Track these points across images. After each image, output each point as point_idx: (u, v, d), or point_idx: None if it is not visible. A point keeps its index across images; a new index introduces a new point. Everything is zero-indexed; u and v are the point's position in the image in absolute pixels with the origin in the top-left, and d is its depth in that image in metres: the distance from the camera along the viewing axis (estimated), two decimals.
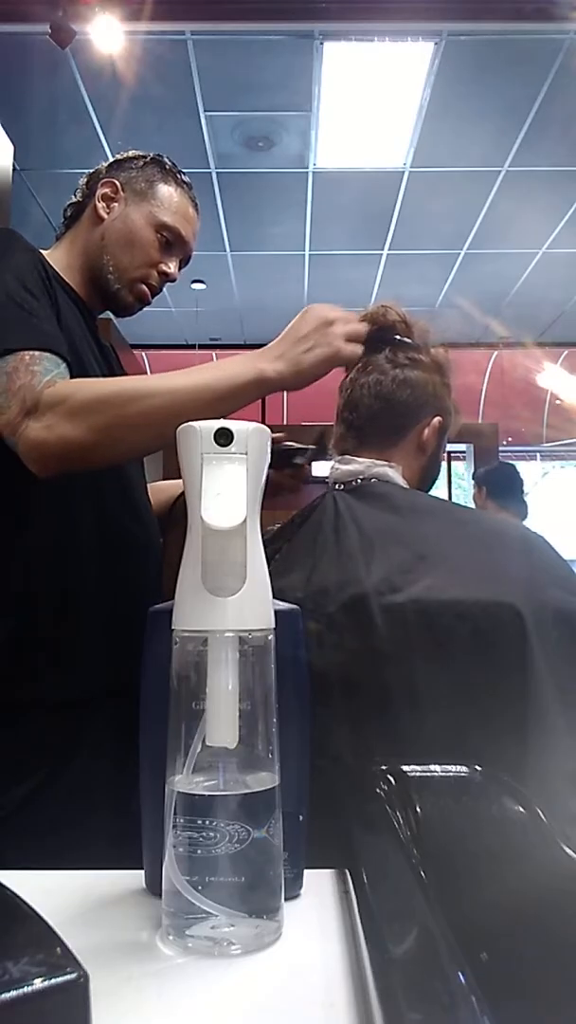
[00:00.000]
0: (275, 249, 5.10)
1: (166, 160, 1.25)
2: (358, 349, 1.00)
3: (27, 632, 1.03)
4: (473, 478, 3.89)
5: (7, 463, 1.04)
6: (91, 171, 1.24)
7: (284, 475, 1.17)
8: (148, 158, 1.23)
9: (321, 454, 1.15)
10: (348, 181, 4.32)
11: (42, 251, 1.14)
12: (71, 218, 1.23)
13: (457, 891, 0.48)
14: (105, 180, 1.21)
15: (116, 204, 1.20)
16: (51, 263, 1.13)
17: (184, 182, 1.24)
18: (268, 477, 1.13)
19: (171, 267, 1.22)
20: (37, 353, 0.94)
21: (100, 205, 1.20)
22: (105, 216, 1.19)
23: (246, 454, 0.54)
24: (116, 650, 1.01)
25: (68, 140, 3.84)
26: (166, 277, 1.22)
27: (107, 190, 1.20)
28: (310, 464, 1.17)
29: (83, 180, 1.24)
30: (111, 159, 1.26)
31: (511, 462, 4.72)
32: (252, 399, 0.97)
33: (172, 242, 1.21)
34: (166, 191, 1.22)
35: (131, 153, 1.25)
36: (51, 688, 1.04)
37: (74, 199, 1.24)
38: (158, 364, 6.57)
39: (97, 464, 1.02)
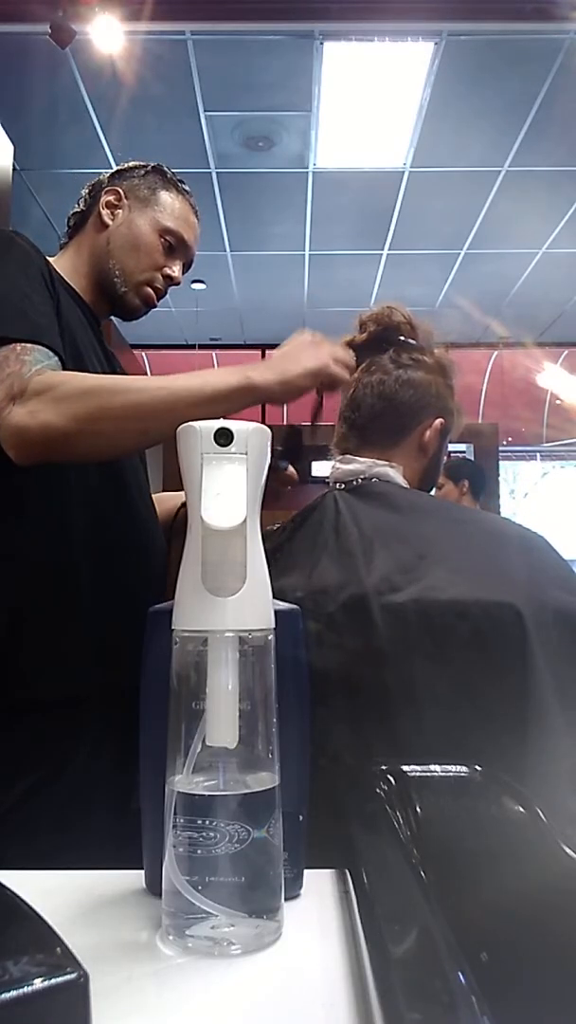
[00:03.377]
0: (275, 249, 5.10)
1: (166, 169, 1.28)
2: (345, 373, 1.02)
3: (24, 632, 1.04)
4: (451, 476, 3.72)
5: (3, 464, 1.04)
6: (93, 181, 1.27)
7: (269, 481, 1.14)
8: (149, 167, 1.27)
9: (292, 452, 1.13)
10: (348, 181, 4.32)
11: (48, 258, 1.15)
12: (74, 227, 1.26)
13: (457, 891, 0.48)
14: (108, 188, 1.24)
15: (120, 211, 1.23)
16: (57, 270, 1.15)
17: (185, 190, 1.28)
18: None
19: (175, 270, 1.25)
20: (29, 344, 0.96)
21: (105, 212, 1.22)
22: (110, 222, 1.22)
23: (246, 454, 0.54)
24: (113, 650, 1.01)
25: (68, 140, 3.83)
26: (170, 280, 1.25)
27: (111, 197, 1.23)
28: (292, 464, 1.14)
29: (85, 190, 1.27)
30: (112, 169, 1.28)
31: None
32: (240, 406, 0.97)
33: (175, 246, 1.25)
34: (168, 198, 1.25)
35: (132, 163, 1.28)
36: (48, 688, 1.04)
37: (77, 209, 1.26)
38: (158, 364, 6.57)
39: (78, 456, 1.01)
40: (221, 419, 0.55)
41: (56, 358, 0.98)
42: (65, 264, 1.21)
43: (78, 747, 1.05)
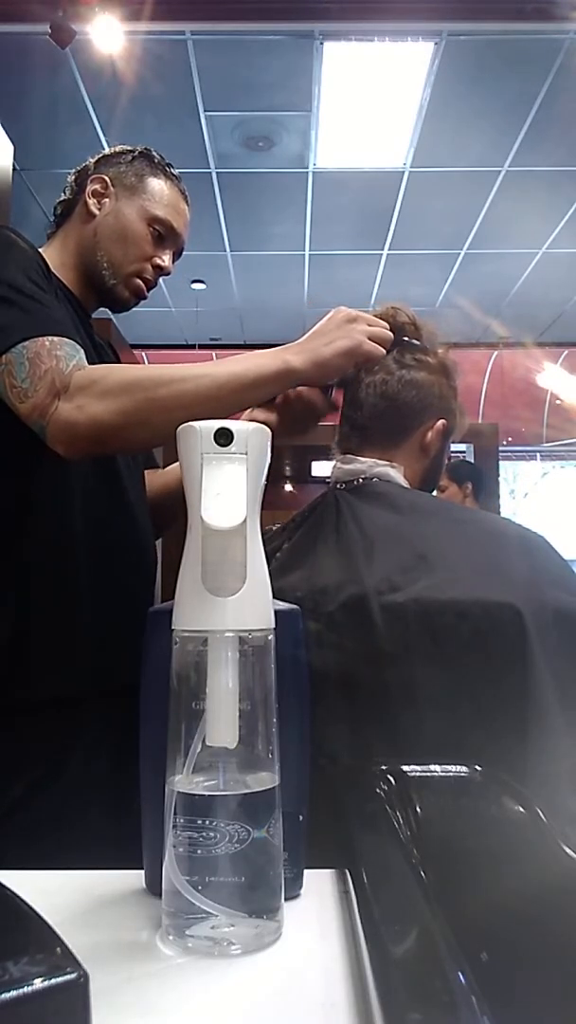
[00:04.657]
0: (275, 249, 5.09)
1: (154, 153, 1.24)
2: (380, 348, 1.00)
3: (21, 633, 1.04)
4: (454, 479, 3.73)
5: (2, 465, 1.04)
6: (79, 167, 1.24)
7: (316, 393, 1.09)
8: (136, 152, 1.23)
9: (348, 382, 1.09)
10: (348, 181, 4.32)
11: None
12: (61, 216, 1.23)
13: (457, 891, 0.48)
14: (94, 176, 1.21)
15: (107, 200, 1.19)
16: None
17: (173, 175, 1.24)
18: (302, 395, 1.07)
19: (165, 260, 1.22)
20: (56, 339, 0.95)
21: (91, 202, 1.19)
22: (96, 212, 1.19)
23: (246, 454, 0.54)
24: (111, 650, 1.01)
25: (68, 140, 3.83)
26: (160, 270, 1.22)
27: (97, 186, 1.20)
28: (339, 391, 1.11)
29: (71, 177, 1.24)
30: (99, 154, 1.25)
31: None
32: (277, 390, 0.98)
33: (165, 235, 1.21)
34: (156, 184, 1.21)
35: (119, 148, 1.25)
36: (49, 688, 1.04)
37: (64, 196, 1.23)
38: (158, 364, 6.56)
39: (125, 447, 1.03)
40: (221, 419, 0.55)
41: (83, 350, 0.97)
42: (52, 256, 1.17)
43: (77, 747, 1.05)
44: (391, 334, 1.02)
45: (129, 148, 1.24)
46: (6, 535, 1.05)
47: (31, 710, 1.02)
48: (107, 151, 1.25)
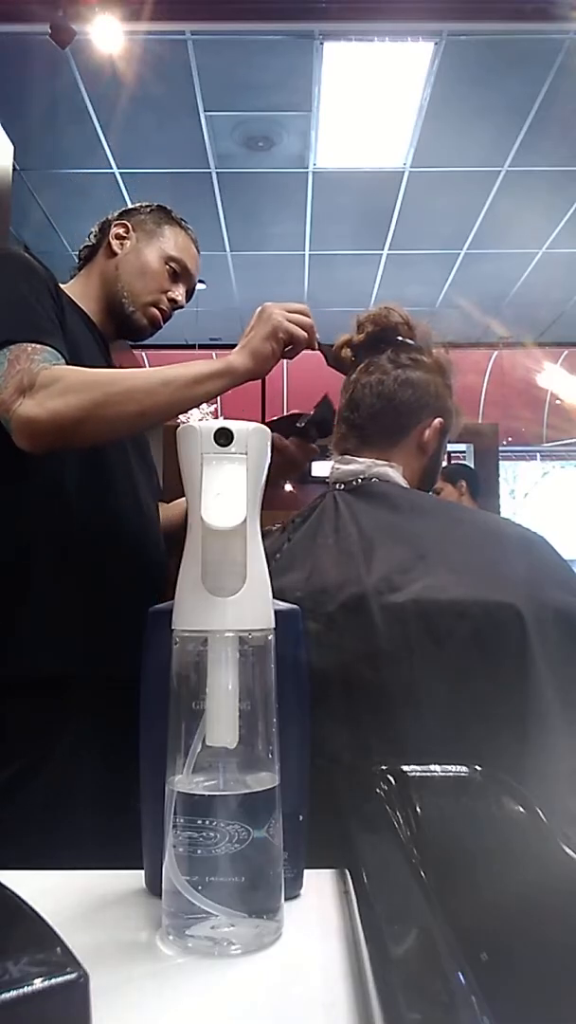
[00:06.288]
0: (275, 249, 5.10)
1: (170, 208, 1.40)
2: (299, 330, 1.09)
3: (13, 606, 1.07)
4: (448, 480, 3.77)
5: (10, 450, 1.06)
6: (101, 220, 1.38)
7: (291, 441, 1.22)
8: (154, 206, 1.38)
9: (323, 420, 1.18)
10: (348, 181, 4.32)
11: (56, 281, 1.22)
12: (85, 259, 1.36)
13: (457, 891, 0.48)
14: (117, 223, 1.35)
15: (128, 241, 1.33)
16: (68, 294, 1.22)
17: (187, 226, 1.38)
18: (275, 444, 1.21)
19: (179, 295, 1.35)
20: (39, 346, 1.03)
21: (114, 243, 1.32)
22: (119, 251, 1.32)
23: (246, 454, 0.54)
24: (106, 633, 1.03)
25: (68, 140, 3.83)
26: (174, 304, 1.35)
27: (120, 230, 1.33)
28: (315, 430, 1.21)
29: (95, 228, 1.37)
30: (120, 209, 1.38)
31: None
32: (222, 386, 1.07)
33: (179, 273, 1.34)
34: (172, 231, 1.36)
35: (139, 204, 1.40)
36: (34, 664, 1.06)
37: (87, 243, 1.36)
38: (158, 364, 6.54)
39: (86, 440, 1.10)
40: (221, 419, 0.55)
41: (63, 360, 1.04)
42: (76, 289, 1.30)
43: (63, 736, 1.06)
44: (308, 319, 1.10)
45: (147, 204, 1.39)
46: (7, 516, 1.08)
47: (17, 690, 1.03)
48: (128, 206, 1.40)
